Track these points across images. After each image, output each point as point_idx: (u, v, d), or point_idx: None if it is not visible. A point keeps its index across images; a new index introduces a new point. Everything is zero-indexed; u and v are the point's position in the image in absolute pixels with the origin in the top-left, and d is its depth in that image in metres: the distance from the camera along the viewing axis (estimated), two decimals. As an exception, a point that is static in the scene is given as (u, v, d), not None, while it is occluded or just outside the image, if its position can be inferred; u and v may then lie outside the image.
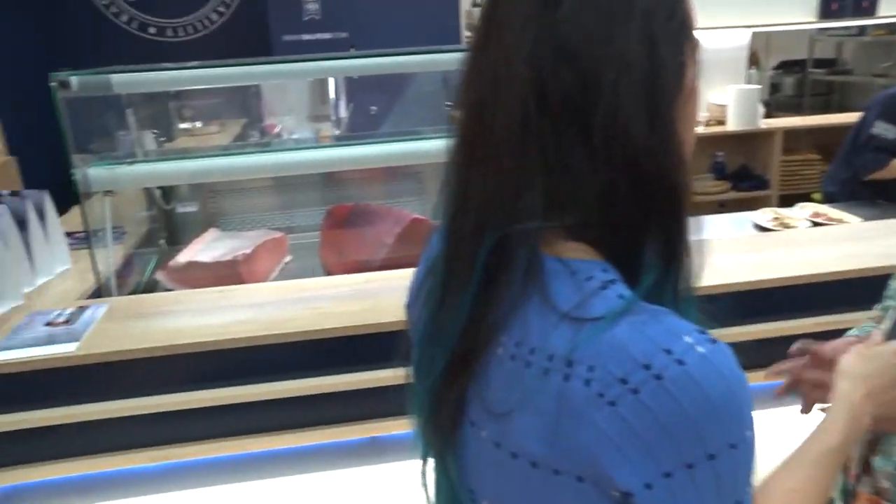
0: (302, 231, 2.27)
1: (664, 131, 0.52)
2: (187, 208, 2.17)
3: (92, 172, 1.48)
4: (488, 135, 0.52)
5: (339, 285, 1.47)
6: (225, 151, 1.54)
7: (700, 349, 0.45)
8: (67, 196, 1.52)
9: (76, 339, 1.24)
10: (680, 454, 0.44)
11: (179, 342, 1.23)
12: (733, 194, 3.72)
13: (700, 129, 3.64)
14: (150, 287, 1.90)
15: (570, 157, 0.51)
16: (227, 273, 1.81)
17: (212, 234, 2.06)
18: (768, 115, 3.83)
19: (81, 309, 1.39)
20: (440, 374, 0.55)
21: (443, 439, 0.56)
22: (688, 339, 0.46)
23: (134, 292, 1.78)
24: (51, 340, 1.24)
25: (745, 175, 3.74)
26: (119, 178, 1.51)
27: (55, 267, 1.65)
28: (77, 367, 1.21)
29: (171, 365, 1.24)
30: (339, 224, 1.95)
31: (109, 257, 1.62)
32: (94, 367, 1.21)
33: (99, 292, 1.57)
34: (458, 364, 0.53)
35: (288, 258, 2.09)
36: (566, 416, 0.46)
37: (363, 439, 1.34)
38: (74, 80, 1.41)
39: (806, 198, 2.60)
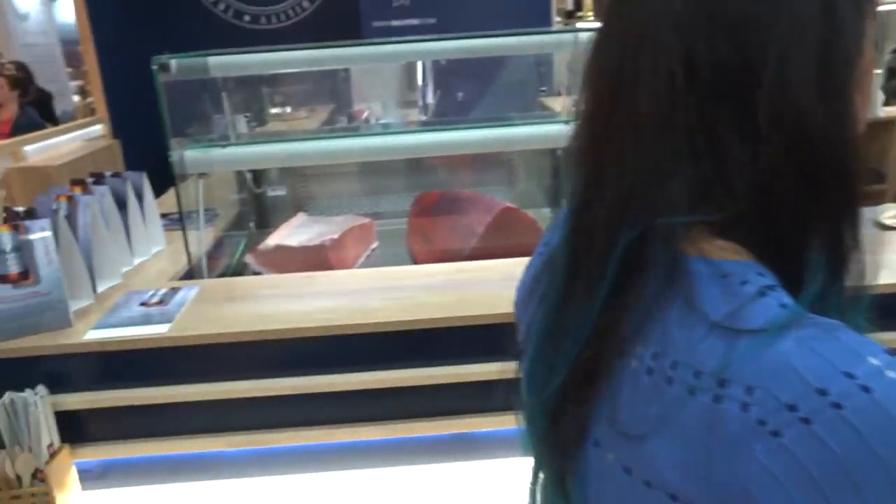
0: (389, 217, 2.24)
1: (840, 109, 0.43)
2: (276, 192, 2.18)
3: (188, 155, 1.49)
4: (626, 114, 0.45)
5: (429, 275, 1.43)
6: (315, 135, 1.52)
7: (891, 374, 0.37)
8: (165, 178, 1.54)
9: (169, 321, 1.25)
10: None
11: (267, 327, 1.21)
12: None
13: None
14: (240, 269, 1.91)
15: (723, 140, 0.43)
16: (315, 258, 1.81)
17: (300, 218, 2.06)
18: (886, 103, 3.55)
19: (174, 290, 1.40)
20: (560, 385, 0.48)
21: (562, 459, 0.50)
22: (873, 360, 0.38)
23: (223, 274, 1.79)
24: (145, 321, 1.25)
25: (858, 168, 3.49)
26: (213, 160, 1.51)
27: (151, 247, 1.67)
28: (168, 349, 1.21)
29: (258, 350, 1.23)
30: (428, 211, 1.91)
31: (202, 239, 1.63)
32: (185, 349, 1.21)
33: (191, 273, 1.59)
34: (581, 376, 0.47)
35: (375, 245, 2.06)
36: (716, 445, 0.39)
37: (450, 435, 1.29)
38: (174, 63, 1.41)
39: (931, 194, 2.38)
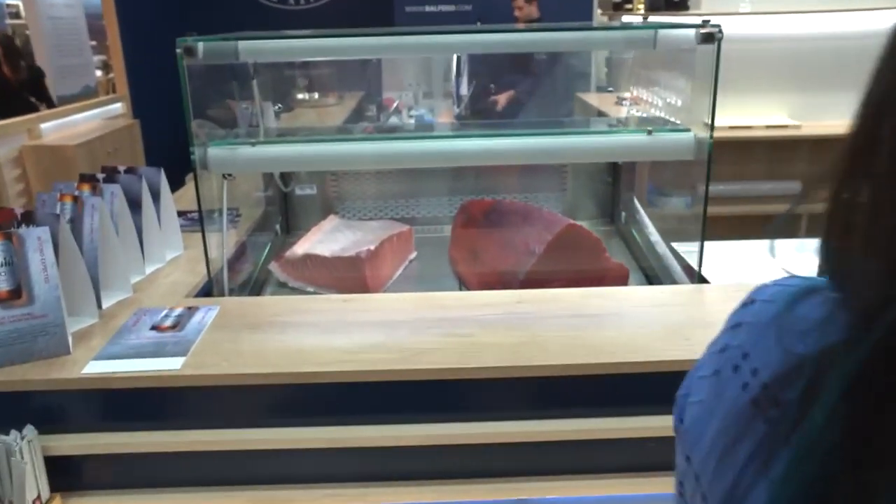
0: (427, 223, 2.04)
1: None
2: (306, 191, 1.98)
3: (212, 153, 1.29)
4: None
5: (485, 305, 1.22)
6: (353, 136, 1.32)
7: None
8: (185, 164, 1.35)
9: (183, 353, 1.05)
10: None
11: (300, 369, 1.01)
12: None
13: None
14: (263, 278, 1.72)
15: None
16: (348, 270, 1.61)
17: (331, 222, 1.86)
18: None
19: (191, 310, 1.20)
20: None
21: None
22: None
23: (245, 283, 1.60)
24: (157, 351, 1.06)
25: None
26: (239, 160, 1.31)
27: (167, 253, 1.48)
28: (182, 388, 1.02)
29: (288, 394, 1.03)
30: (476, 222, 1.70)
31: (224, 247, 1.44)
32: (201, 390, 1.02)
33: (210, 285, 1.39)
34: None
35: (413, 255, 1.86)
36: None
37: (508, 501, 1.09)
38: (201, 46, 1.21)
39: None
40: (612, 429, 1.04)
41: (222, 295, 1.37)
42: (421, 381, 1.02)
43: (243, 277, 1.62)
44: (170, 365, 1.02)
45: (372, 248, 1.62)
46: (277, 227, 1.92)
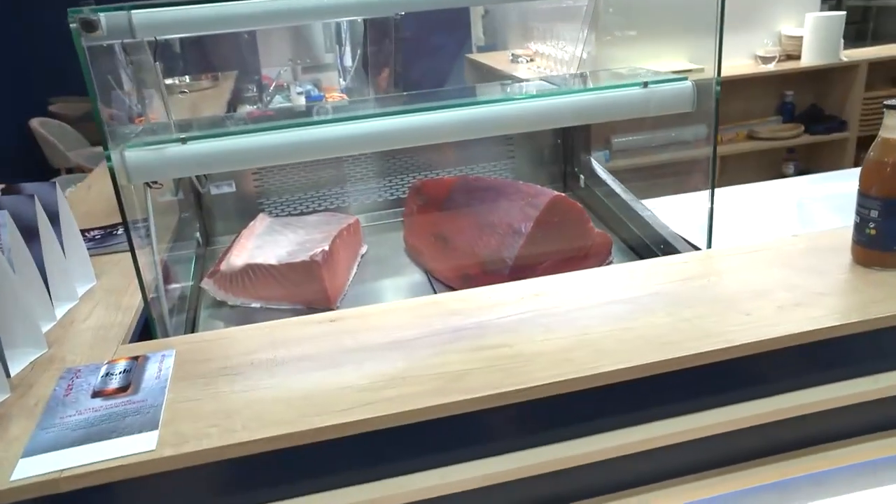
0: (365, 212, 1.81)
1: None
2: (223, 189, 1.69)
3: (131, 158, 1.01)
4: None
5: (497, 304, 1.04)
6: (303, 121, 1.08)
7: None
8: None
9: (152, 425, 0.80)
10: None
11: (316, 423, 0.79)
12: (806, 138, 3.33)
13: (769, 67, 3.22)
14: (194, 301, 1.44)
15: None
16: (302, 278, 1.37)
17: (262, 222, 1.60)
18: (846, 47, 3.43)
19: (139, 361, 0.93)
20: None
21: None
22: None
23: (177, 309, 1.32)
24: (114, 428, 0.79)
25: (818, 116, 3.35)
26: (169, 163, 1.04)
27: (77, 287, 1.18)
28: (161, 476, 0.76)
29: (305, 456, 0.81)
30: (437, 204, 1.50)
31: (158, 271, 1.15)
32: (189, 472, 0.77)
33: (147, 321, 1.11)
34: None
35: (363, 249, 1.64)
36: None
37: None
38: (103, 18, 0.92)
39: None
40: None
41: (167, 333, 1.10)
42: (468, 415, 0.82)
43: (174, 302, 1.33)
44: (141, 445, 0.76)
45: (325, 247, 1.38)
46: (197, 235, 1.62)
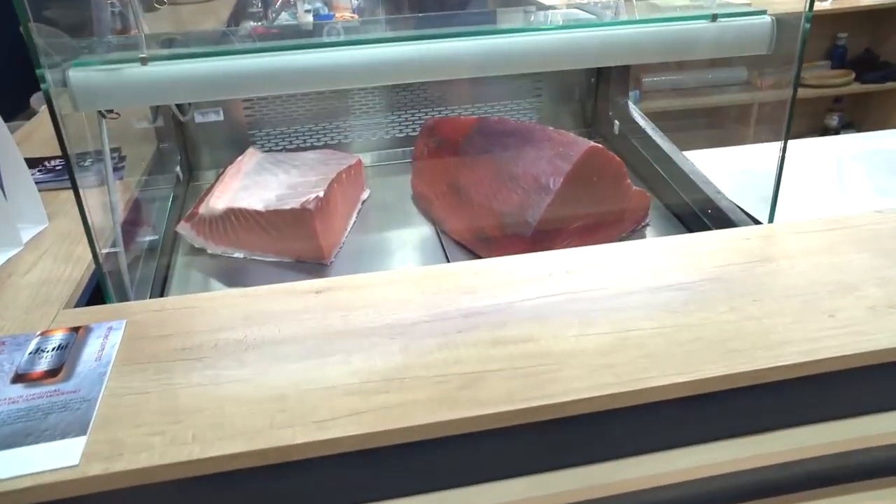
0: (369, 150, 1.61)
1: None
2: (210, 118, 1.49)
3: (76, 78, 0.81)
4: None
5: (521, 281, 0.85)
6: (283, 44, 0.87)
7: None
8: (23, 86, 0.84)
9: (80, 429, 0.63)
10: None
11: (291, 439, 0.62)
12: (856, 87, 3.06)
13: (825, 4, 2.92)
14: (169, 246, 1.26)
15: None
16: (292, 228, 1.19)
17: (252, 157, 1.40)
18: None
19: (79, 334, 0.76)
20: None
21: None
22: None
23: (147, 258, 1.14)
24: (30, 430, 0.63)
25: (872, 63, 3.07)
26: (125, 88, 0.84)
27: (23, 232, 1.00)
28: (87, 499, 0.60)
29: (275, 479, 0.64)
30: (452, 148, 1.30)
31: (115, 216, 0.97)
32: (122, 494, 0.61)
33: (100, 277, 0.94)
34: None
35: (366, 194, 1.45)
36: None
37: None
38: None
39: None
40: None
41: (125, 297, 0.92)
42: (480, 433, 0.65)
43: (141, 251, 1.15)
44: (60, 458, 0.60)
45: (320, 193, 1.19)
46: (178, 170, 1.43)
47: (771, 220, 1.04)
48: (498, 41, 0.93)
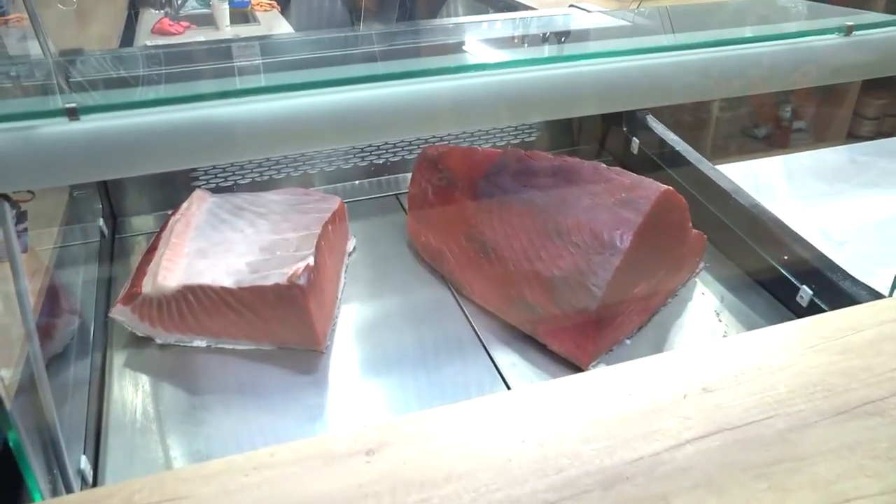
0: (338, 181, 1.32)
1: None
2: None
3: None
4: None
5: (659, 409, 0.61)
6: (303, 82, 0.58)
7: None
8: None
9: None
10: None
11: None
12: None
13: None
14: (101, 338, 0.93)
15: None
16: (276, 308, 0.89)
17: (200, 204, 1.08)
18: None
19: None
20: None
21: None
22: None
23: (82, 356, 0.82)
24: None
25: None
26: (47, 159, 0.52)
27: None
28: None
29: None
30: (465, 189, 1.03)
31: (28, 323, 0.64)
32: None
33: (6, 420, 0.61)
34: None
35: (351, 244, 1.16)
36: None
37: None
38: None
39: None
40: None
41: (63, 478, 0.60)
42: None
43: (57, 350, 0.83)
44: None
45: (310, 261, 0.90)
46: (101, 223, 1.09)
47: (893, 291, 0.84)
48: (492, 80, 0.68)
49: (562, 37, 1.13)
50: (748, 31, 0.77)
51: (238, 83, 0.64)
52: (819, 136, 3.06)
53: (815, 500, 0.52)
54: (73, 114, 0.53)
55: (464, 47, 1.11)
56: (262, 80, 0.64)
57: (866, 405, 0.62)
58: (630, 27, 1.08)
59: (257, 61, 0.93)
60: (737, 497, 0.53)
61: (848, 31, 0.74)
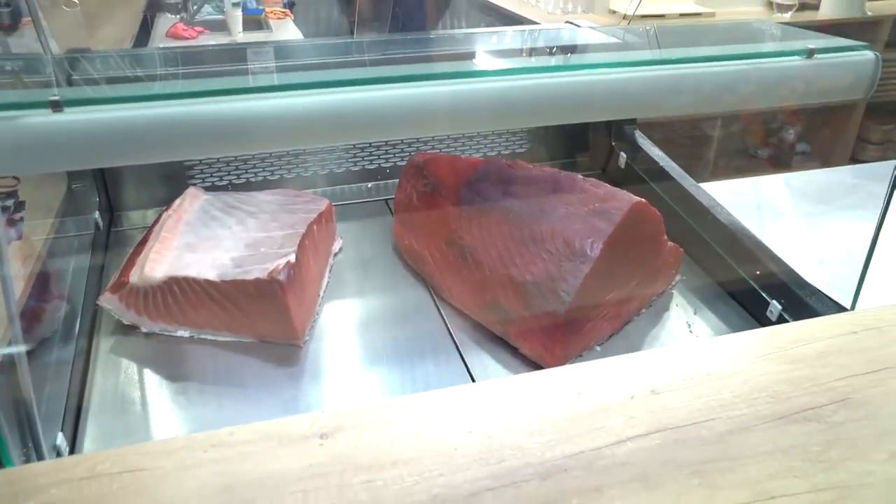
0: (330, 184, 1.36)
1: None
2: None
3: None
4: None
5: (607, 407, 0.63)
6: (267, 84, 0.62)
7: None
8: None
9: None
10: None
11: None
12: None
13: (786, 16, 2.84)
14: (89, 325, 0.97)
15: None
16: (256, 302, 0.93)
17: (193, 201, 1.12)
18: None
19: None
20: None
21: None
22: None
23: (62, 354, 0.86)
24: None
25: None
26: (29, 147, 0.56)
27: None
28: None
29: None
30: (448, 195, 1.06)
31: (10, 306, 0.68)
32: None
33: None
34: None
35: (338, 245, 1.19)
36: None
37: None
38: None
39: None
40: None
41: (36, 446, 0.64)
42: None
43: (44, 335, 0.86)
44: None
45: (291, 258, 0.94)
46: (96, 216, 1.13)
47: (854, 305, 0.86)
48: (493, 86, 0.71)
49: (549, 49, 1.16)
50: (713, 51, 0.80)
51: (213, 84, 0.68)
52: (822, 160, 3.08)
53: (742, 497, 0.55)
54: (56, 106, 0.57)
55: (454, 56, 1.14)
56: (238, 82, 0.67)
57: (806, 412, 0.64)
58: (617, 43, 1.12)
59: (243, 66, 0.97)
60: (669, 491, 0.55)
61: (809, 54, 0.77)
